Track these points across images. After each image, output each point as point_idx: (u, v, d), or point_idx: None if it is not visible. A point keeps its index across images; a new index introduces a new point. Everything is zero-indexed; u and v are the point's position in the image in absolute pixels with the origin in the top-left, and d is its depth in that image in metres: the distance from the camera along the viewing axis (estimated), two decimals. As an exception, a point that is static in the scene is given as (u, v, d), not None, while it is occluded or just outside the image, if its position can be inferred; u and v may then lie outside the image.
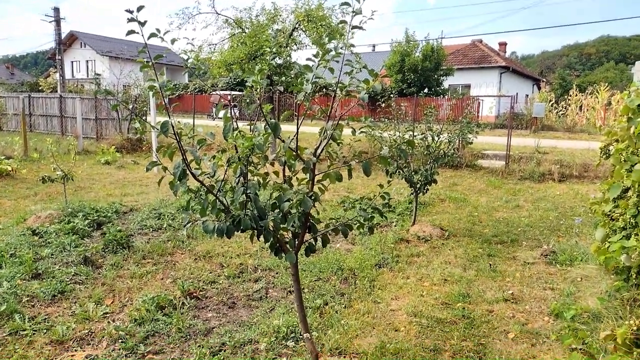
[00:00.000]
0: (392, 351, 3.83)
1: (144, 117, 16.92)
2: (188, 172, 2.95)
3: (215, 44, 14.81)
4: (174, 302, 4.74)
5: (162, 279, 5.45)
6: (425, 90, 21.43)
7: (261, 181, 3.28)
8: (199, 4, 13.15)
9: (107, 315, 4.51)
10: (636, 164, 4.40)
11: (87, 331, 4.16)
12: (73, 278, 5.21)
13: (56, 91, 31.57)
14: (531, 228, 7.89)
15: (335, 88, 3.00)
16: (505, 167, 13.28)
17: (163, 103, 3.10)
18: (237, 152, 3.00)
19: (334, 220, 3.45)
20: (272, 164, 3.27)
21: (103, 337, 4.06)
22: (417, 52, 27.63)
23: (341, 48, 2.88)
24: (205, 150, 3.08)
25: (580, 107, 27.00)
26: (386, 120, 7.82)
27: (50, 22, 32.73)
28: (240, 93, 32.81)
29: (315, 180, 3.11)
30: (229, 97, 32.93)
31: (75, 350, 3.87)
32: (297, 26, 14.27)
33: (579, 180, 12.23)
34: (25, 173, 11.89)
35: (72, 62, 49.38)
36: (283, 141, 2.98)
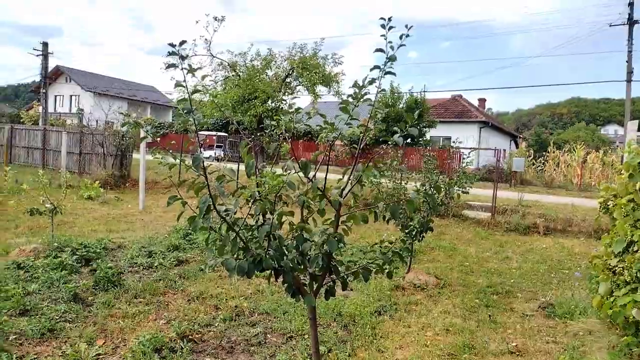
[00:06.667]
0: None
1: (129, 154, 16.67)
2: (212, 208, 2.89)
3: (209, 86, 14.95)
4: (169, 344, 4.54)
5: (155, 319, 5.23)
6: (409, 140, 21.87)
7: (278, 221, 3.22)
8: (195, 45, 13.35)
9: (100, 356, 4.27)
10: None
11: (80, 373, 3.92)
12: (63, 315, 4.96)
13: (37, 124, 31.17)
14: (523, 280, 7.91)
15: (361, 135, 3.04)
16: (491, 219, 13.45)
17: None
18: (258, 190, 2.97)
19: (351, 263, 3.39)
20: (287, 204, 3.24)
21: (98, 380, 3.84)
22: (402, 104, 28.35)
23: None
24: (224, 187, 3.03)
25: (557, 163, 27.86)
26: (383, 165, 7.87)
27: (37, 55, 32.77)
28: (225, 134, 32.95)
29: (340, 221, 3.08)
30: (214, 137, 33.01)
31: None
32: (290, 72, 14.57)
33: (563, 235, 12.42)
34: (13, 204, 11.47)
35: (55, 96, 49.15)
36: (311, 181, 2.96)
